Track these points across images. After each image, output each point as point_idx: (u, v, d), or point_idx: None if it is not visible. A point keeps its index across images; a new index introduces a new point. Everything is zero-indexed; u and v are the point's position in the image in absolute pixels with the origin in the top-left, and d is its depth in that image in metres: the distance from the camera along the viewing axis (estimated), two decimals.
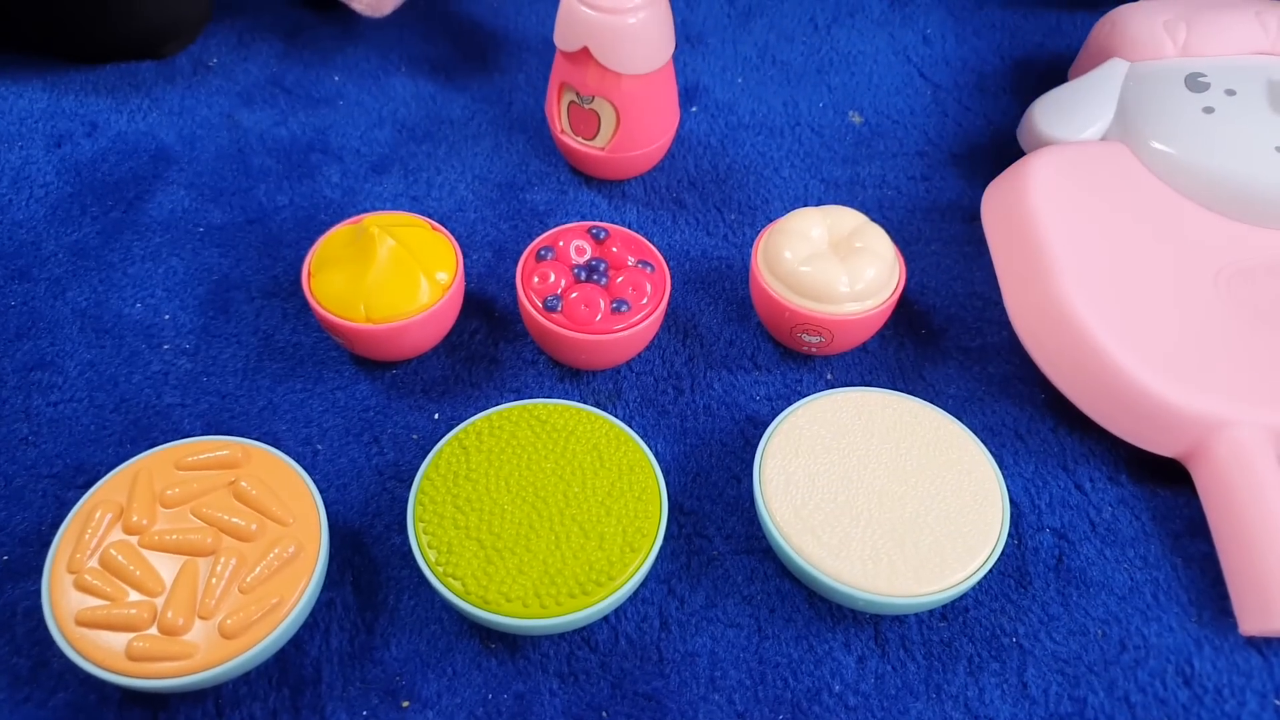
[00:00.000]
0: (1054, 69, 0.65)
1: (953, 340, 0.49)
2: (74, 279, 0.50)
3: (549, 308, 0.44)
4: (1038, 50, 0.67)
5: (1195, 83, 0.53)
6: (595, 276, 0.45)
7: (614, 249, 0.46)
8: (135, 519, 0.37)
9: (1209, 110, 0.51)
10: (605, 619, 0.39)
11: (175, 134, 0.57)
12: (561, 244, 0.46)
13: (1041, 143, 0.53)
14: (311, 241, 0.46)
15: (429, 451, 0.41)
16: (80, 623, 0.35)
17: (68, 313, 0.48)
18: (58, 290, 0.49)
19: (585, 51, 0.49)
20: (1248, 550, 0.39)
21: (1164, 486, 0.44)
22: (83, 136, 0.56)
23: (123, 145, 0.56)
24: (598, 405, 0.46)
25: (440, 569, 0.37)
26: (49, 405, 0.45)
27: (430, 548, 0.37)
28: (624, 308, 0.44)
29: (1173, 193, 0.50)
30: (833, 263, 0.45)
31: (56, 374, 0.46)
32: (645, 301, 0.44)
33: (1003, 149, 0.59)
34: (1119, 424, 0.43)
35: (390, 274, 0.43)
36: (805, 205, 0.56)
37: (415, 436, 0.44)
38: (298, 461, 0.42)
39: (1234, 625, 0.40)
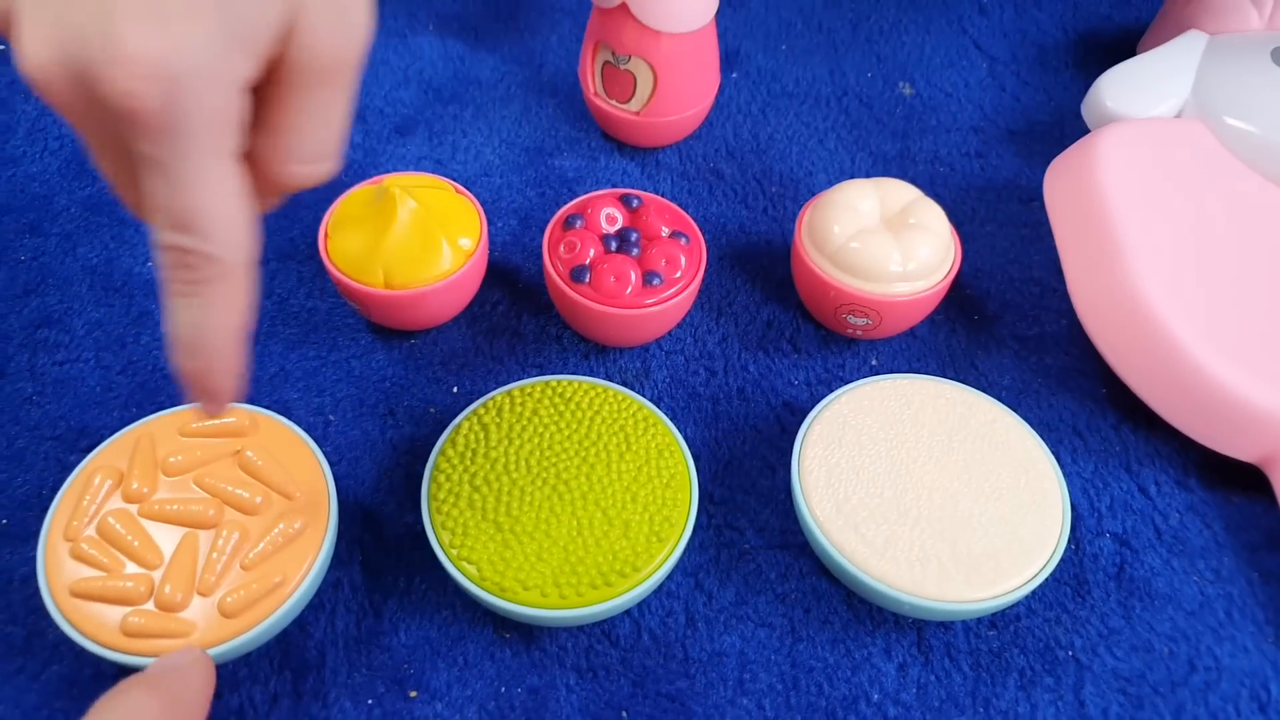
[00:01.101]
0: (1121, 43, 0.61)
1: (1007, 328, 0.46)
2: (85, 235, 0.48)
3: (576, 278, 0.41)
4: (1104, 23, 0.63)
5: None
6: (626, 247, 0.42)
7: (647, 218, 0.43)
8: (135, 486, 0.35)
9: None
10: (628, 613, 0.37)
11: None
12: (591, 211, 0.43)
13: (1109, 119, 0.50)
14: (330, 203, 0.43)
15: (446, 427, 0.38)
16: (75, 594, 0.33)
17: (77, 269, 0.46)
18: (68, 246, 0.47)
19: (624, 7, 0.46)
20: None
21: (1239, 493, 0.41)
22: None
23: None
24: (624, 384, 0.43)
25: (454, 552, 0.34)
26: (54, 364, 0.43)
27: (444, 529, 0.35)
28: (656, 281, 0.41)
29: (1256, 175, 0.46)
30: (884, 239, 0.41)
31: (63, 332, 0.44)
32: (679, 275, 0.42)
33: (1065, 126, 0.56)
34: (1192, 424, 0.40)
35: (411, 238, 0.41)
36: (852, 178, 0.52)
37: (432, 410, 0.42)
38: (308, 432, 0.39)
39: None
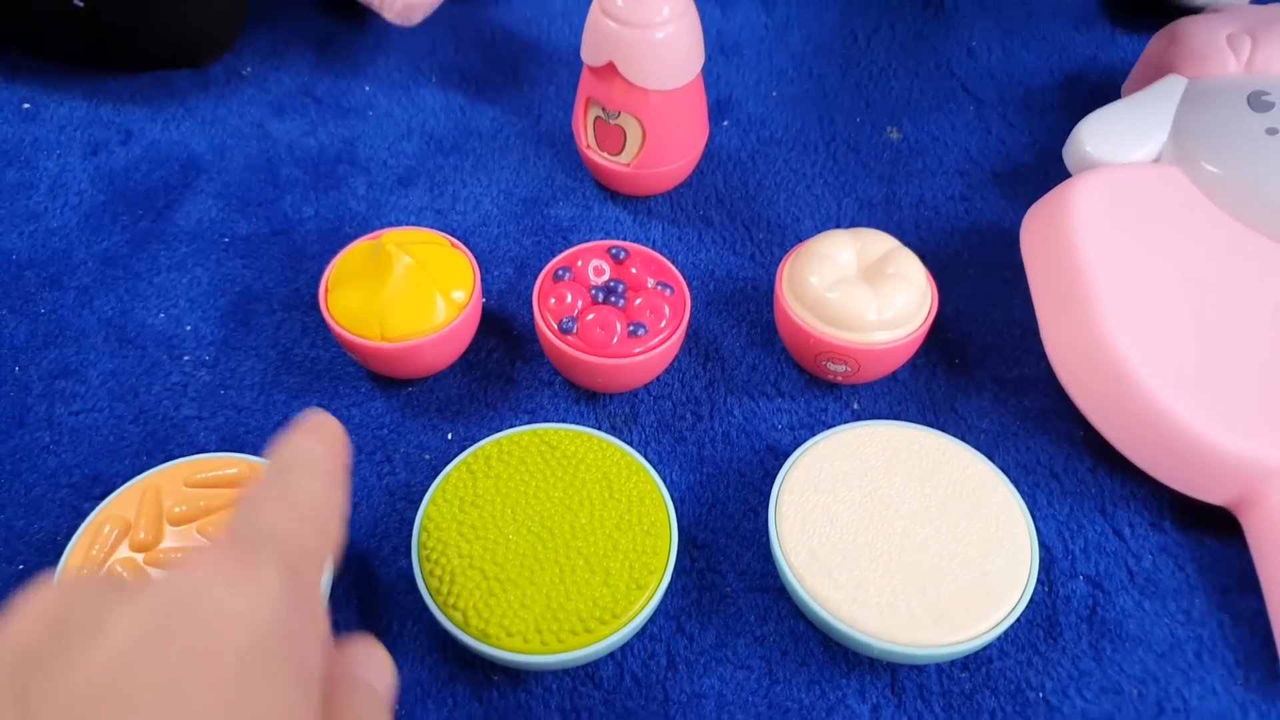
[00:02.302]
0: (1106, 85, 0.62)
1: (988, 371, 0.47)
2: (102, 288, 0.50)
3: (564, 330, 0.43)
4: (1090, 64, 0.64)
5: (1259, 102, 0.50)
6: (613, 298, 0.44)
7: (633, 269, 0.45)
8: (142, 536, 0.37)
9: (1273, 131, 0.49)
10: (611, 655, 0.38)
11: (206, 143, 0.57)
12: (580, 263, 0.45)
13: (1089, 164, 0.51)
14: (334, 254, 0.45)
15: (439, 473, 0.40)
16: None
17: (94, 321, 0.49)
18: (86, 299, 0.49)
19: (611, 66, 0.47)
20: None
21: (1212, 535, 0.42)
22: (118, 145, 0.57)
23: (155, 154, 0.56)
24: (613, 429, 0.45)
25: (442, 598, 0.36)
26: (71, 414, 0.45)
27: (433, 575, 0.36)
28: (641, 331, 0.43)
29: (1231, 219, 0.47)
30: (861, 289, 0.43)
31: (79, 383, 0.46)
32: (663, 325, 0.43)
33: (1049, 169, 0.57)
34: (1162, 469, 0.41)
35: (406, 292, 0.43)
36: (838, 224, 0.54)
37: (427, 456, 0.44)
38: None
39: None
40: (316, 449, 0.26)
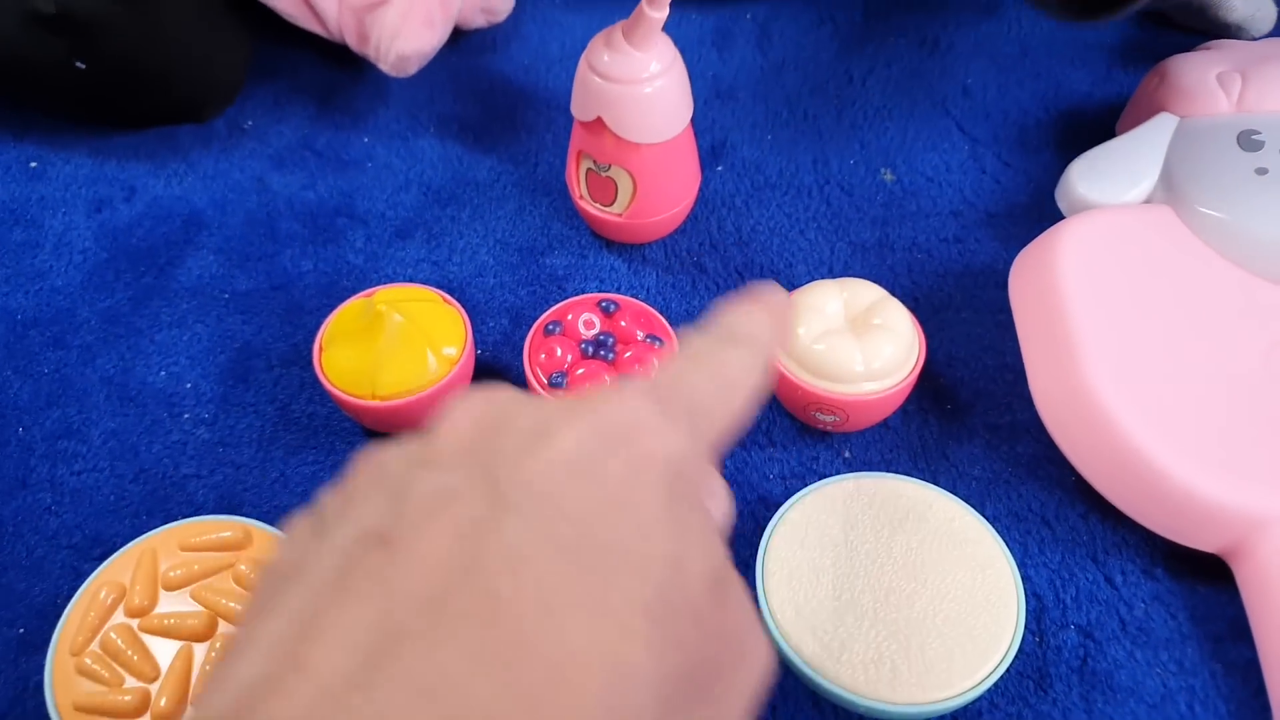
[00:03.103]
0: (1102, 121, 0.62)
1: (979, 417, 0.47)
2: (104, 346, 0.51)
3: (555, 385, 0.43)
4: (1085, 100, 0.64)
5: (1249, 141, 0.50)
6: (602, 352, 0.44)
7: (623, 322, 0.45)
8: (137, 601, 0.38)
9: (1263, 171, 0.49)
10: None
11: (208, 198, 0.58)
12: (570, 317, 0.46)
13: (1081, 205, 0.51)
14: (332, 308, 0.46)
15: None
16: (79, 709, 0.35)
17: (96, 380, 0.50)
18: (88, 358, 0.51)
19: (600, 121, 0.48)
20: None
21: (1205, 582, 0.41)
22: (121, 202, 0.58)
23: (158, 210, 0.57)
24: None
25: None
26: (72, 474, 0.46)
27: None
28: None
29: (1222, 260, 0.47)
30: (848, 340, 0.43)
31: (81, 443, 0.47)
32: None
33: (1043, 208, 0.57)
34: (1152, 518, 0.40)
35: (398, 350, 0.43)
36: (830, 269, 0.54)
37: None
38: None
39: None
40: (761, 327, 0.27)
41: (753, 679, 0.22)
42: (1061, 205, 0.53)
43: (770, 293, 0.28)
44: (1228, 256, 0.47)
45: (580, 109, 0.49)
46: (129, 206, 0.58)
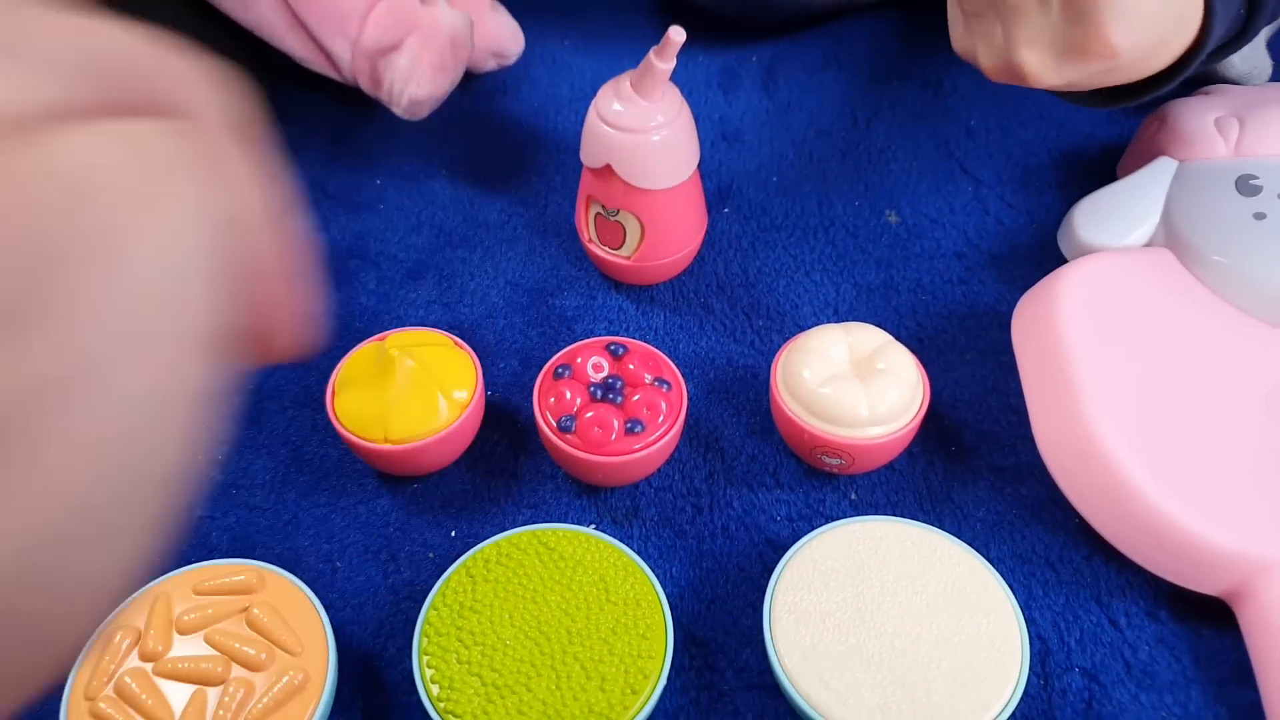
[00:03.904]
0: (1104, 162, 0.63)
1: (984, 459, 0.48)
2: None
3: (563, 428, 0.44)
4: (1087, 141, 0.65)
5: (1247, 186, 0.51)
6: (611, 395, 0.45)
7: (631, 366, 0.46)
8: (151, 645, 0.38)
9: (1260, 216, 0.49)
10: None
11: None
12: (579, 360, 0.46)
13: (1083, 249, 0.52)
14: (345, 350, 0.47)
15: (443, 573, 0.41)
16: None
17: None
18: None
19: (609, 168, 0.49)
20: None
21: (1209, 625, 0.42)
22: None
23: None
24: (614, 523, 0.46)
25: (442, 704, 0.37)
26: None
27: (434, 682, 0.37)
28: (638, 428, 0.44)
29: (1222, 303, 0.48)
30: (853, 384, 0.44)
31: None
32: (661, 420, 0.44)
33: (1046, 249, 0.58)
34: (1154, 562, 0.41)
35: (409, 394, 0.44)
36: (835, 311, 0.55)
37: (431, 555, 0.45)
38: (316, 579, 0.42)
39: None
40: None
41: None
42: (1064, 248, 0.54)
43: None
44: (1228, 300, 0.48)
45: (589, 156, 0.50)
46: None
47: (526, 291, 0.56)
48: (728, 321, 0.55)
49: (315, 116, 0.67)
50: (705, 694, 0.40)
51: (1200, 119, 0.55)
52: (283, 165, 0.20)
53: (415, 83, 0.58)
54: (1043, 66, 0.42)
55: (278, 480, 0.48)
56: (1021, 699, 0.39)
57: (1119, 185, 0.54)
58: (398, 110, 0.61)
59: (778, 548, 0.45)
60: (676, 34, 0.44)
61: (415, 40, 0.56)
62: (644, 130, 0.48)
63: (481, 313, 0.55)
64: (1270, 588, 0.39)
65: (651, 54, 0.45)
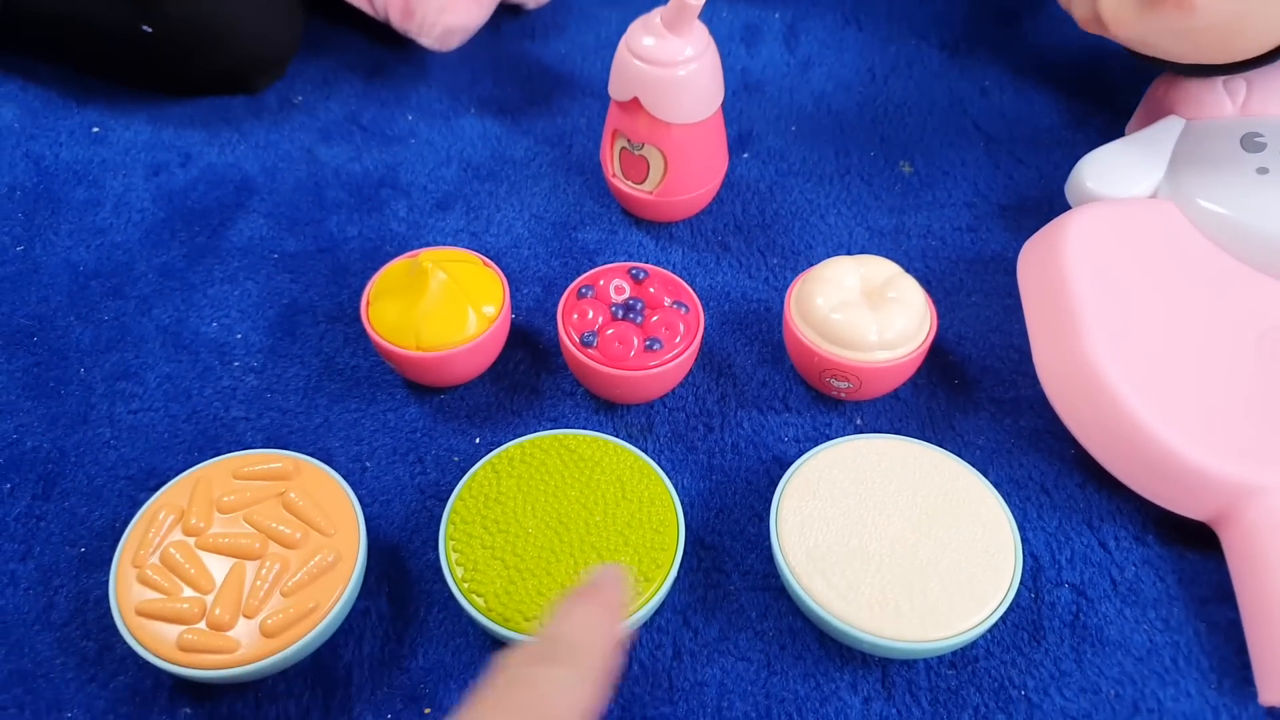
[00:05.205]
0: (1113, 124, 0.65)
1: (985, 392, 0.50)
2: (160, 298, 0.54)
3: (585, 343, 0.46)
4: (1097, 103, 0.67)
5: (1252, 143, 0.53)
6: (631, 315, 0.47)
7: (651, 289, 0.48)
8: (194, 522, 0.40)
9: (1264, 170, 0.51)
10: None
11: (259, 166, 0.61)
12: (602, 283, 0.48)
13: (1089, 199, 0.53)
14: (375, 271, 0.49)
15: (466, 472, 0.43)
16: (140, 613, 0.38)
17: (152, 329, 0.53)
18: (145, 308, 0.54)
19: (636, 102, 0.51)
20: (1272, 619, 0.39)
21: (1193, 549, 0.44)
22: (177, 166, 0.61)
23: (212, 175, 0.61)
24: (629, 438, 0.48)
25: (466, 585, 0.39)
26: (129, 413, 0.49)
27: (458, 565, 0.40)
28: (657, 346, 0.46)
29: (1221, 253, 0.50)
30: (863, 311, 0.46)
31: (138, 384, 0.50)
32: (678, 340, 0.46)
33: (1053, 202, 0.60)
34: (1145, 485, 0.43)
35: (440, 306, 0.46)
36: (848, 252, 0.57)
37: (456, 458, 0.47)
38: (346, 477, 0.45)
39: (1255, 695, 0.39)
40: (590, 636, 0.28)
41: None
42: (1071, 198, 0.56)
43: (605, 584, 0.30)
44: (1226, 249, 0.49)
45: (618, 89, 0.52)
46: (184, 171, 0.61)
47: (550, 225, 0.58)
48: (744, 258, 0.57)
49: (350, 53, 0.69)
50: (712, 592, 0.43)
51: (1209, 81, 0.57)
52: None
53: (450, 12, 0.60)
54: (1121, 12, 0.44)
55: (310, 387, 0.50)
56: (1011, 609, 0.42)
57: (1127, 140, 0.55)
58: (428, 40, 0.62)
59: (784, 465, 0.47)
60: None
61: None
62: (672, 64, 0.49)
63: (507, 242, 0.57)
64: (1253, 510, 0.41)
65: None
